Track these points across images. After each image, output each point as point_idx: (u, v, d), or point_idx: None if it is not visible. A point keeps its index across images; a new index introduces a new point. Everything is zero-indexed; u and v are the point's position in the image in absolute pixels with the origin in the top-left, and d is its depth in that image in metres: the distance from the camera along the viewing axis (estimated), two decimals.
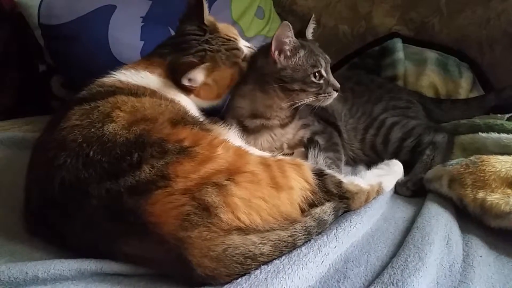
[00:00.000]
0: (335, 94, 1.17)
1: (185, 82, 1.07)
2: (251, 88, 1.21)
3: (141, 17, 1.59)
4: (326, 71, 1.17)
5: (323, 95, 1.15)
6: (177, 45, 1.14)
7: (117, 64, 1.20)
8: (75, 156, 0.80)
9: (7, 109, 1.71)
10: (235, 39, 1.20)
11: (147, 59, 1.16)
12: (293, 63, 1.15)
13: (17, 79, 1.75)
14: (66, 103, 1.01)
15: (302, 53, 1.16)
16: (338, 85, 1.16)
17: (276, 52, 1.14)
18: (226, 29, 1.21)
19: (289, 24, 1.10)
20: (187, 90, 1.10)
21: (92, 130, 0.82)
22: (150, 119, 0.87)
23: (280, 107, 1.20)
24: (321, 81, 1.15)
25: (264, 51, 1.19)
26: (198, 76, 1.08)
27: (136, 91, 0.98)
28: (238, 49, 1.18)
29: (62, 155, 0.81)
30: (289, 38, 1.13)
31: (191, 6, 1.19)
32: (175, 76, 1.08)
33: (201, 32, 1.15)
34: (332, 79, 1.17)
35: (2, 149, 1.27)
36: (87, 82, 1.04)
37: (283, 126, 1.25)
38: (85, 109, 0.88)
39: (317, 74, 1.15)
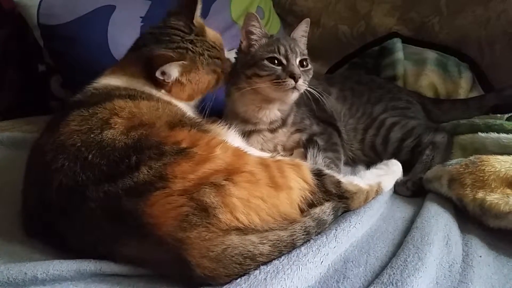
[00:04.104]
0: (290, 82, 1.10)
1: (159, 75, 1.03)
2: (231, 88, 1.23)
3: (141, 17, 1.59)
4: (286, 59, 1.13)
5: (276, 80, 1.11)
6: (157, 36, 1.11)
7: None
8: (74, 159, 0.80)
9: (7, 109, 1.71)
10: (221, 49, 1.18)
11: (124, 58, 1.15)
12: (254, 50, 1.18)
13: (17, 79, 1.75)
14: (64, 107, 1.01)
15: (264, 41, 1.19)
16: (296, 72, 1.10)
17: (245, 42, 1.19)
18: (214, 37, 1.19)
19: (255, 14, 1.16)
20: (158, 85, 1.07)
21: (91, 135, 0.83)
22: (148, 124, 0.87)
23: (255, 105, 1.21)
24: (277, 67, 1.13)
25: (239, 46, 1.23)
26: (173, 71, 1.04)
27: (133, 94, 0.99)
28: (221, 59, 1.16)
29: (60, 158, 0.81)
30: (255, 28, 1.17)
31: (183, 3, 1.16)
32: (149, 67, 1.04)
33: (187, 30, 1.12)
34: (291, 67, 1.12)
35: (1, 149, 1.27)
36: (81, 87, 1.04)
37: (271, 131, 1.25)
38: (84, 116, 0.88)
39: (275, 60, 1.13)
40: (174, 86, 1.08)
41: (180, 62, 1.04)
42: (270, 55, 1.14)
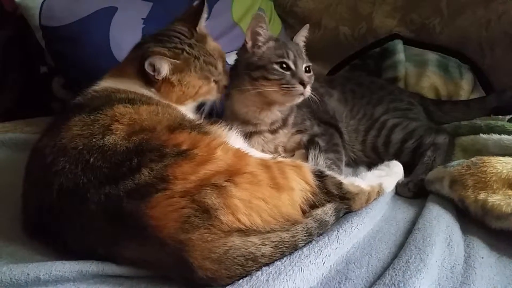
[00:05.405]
0: (300, 88, 1.12)
1: (147, 67, 1.02)
2: (232, 89, 1.23)
3: (142, 18, 1.60)
4: (295, 64, 1.15)
5: (285, 85, 1.12)
6: (157, 37, 1.13)
7: None
8: (75, 161, 0.80)
9: (8, 110, 1.71)
10: (218, 58, 1.18)
11: (123, 61, 1.16)
12: (261, 51, 1.18)
13: (18, 81, 1.75)
14: (65, 111, 1.01)
15: (272, 43, 1.19)
16: (305, 79, 1.13)
17: (250, 42, 1.18)
18: (214, 46, 1.19)
19: (263, 15, 1.16)
20: (150, 82, 1.06)
21: (93, 140, 0.83)
22: (148, 129, 0.88)
23: (255, 106, 1.21)
24: (286, 72, 1.13)
25: (242, 46, 1.23)
26: (163, 67, 1.04)
27: (133, 97, 0.99)
28: (215, 67, 1.16)
29: (61, 160, 0.81)
30: (262, 29, 1.17)
31: (190, 11, 1.19)
32: (140, 61, 1.04)
33: (188, 35, 1.14)
34: (300, 73, 1.14)
35: (3, 150, 1.28)
36: (82, 90, 1.05)
37: (272, 132, 1.25)
38: (85, 121, 0.88)
39: (284, 65, 1.14)
40: (164, 85, 1.08)
41: (172, 60, 1.04)
42: (280, 59, 1.14)
